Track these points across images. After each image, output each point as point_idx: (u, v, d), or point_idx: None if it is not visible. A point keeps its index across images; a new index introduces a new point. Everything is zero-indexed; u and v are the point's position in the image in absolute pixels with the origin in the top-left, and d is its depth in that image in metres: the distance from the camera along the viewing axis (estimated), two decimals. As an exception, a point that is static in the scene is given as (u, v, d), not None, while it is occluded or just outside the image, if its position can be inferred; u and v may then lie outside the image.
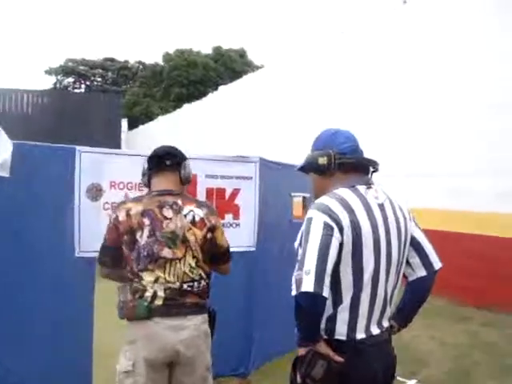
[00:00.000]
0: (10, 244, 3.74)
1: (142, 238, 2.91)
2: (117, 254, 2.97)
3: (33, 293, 3.79)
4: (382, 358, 2.41)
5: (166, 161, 3.09)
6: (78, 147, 3.96)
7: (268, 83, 16.38)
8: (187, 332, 2.91)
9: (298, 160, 2.70)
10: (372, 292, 2.35)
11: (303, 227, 2.32)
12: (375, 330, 2.39)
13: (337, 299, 2.32)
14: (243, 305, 4.93)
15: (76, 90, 44.75)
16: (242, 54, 41.37)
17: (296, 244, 2.37)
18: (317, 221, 2.27)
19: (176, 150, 3.22)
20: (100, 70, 46.36)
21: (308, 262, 2.19)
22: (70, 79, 46.62)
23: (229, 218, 4.55)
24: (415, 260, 2.53)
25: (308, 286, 2.15)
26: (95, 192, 3.98)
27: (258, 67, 31.78)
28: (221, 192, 4.54)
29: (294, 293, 2.21)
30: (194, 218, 3.00)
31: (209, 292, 3.07)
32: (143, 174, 3.17)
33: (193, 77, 37.27)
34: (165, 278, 2.90)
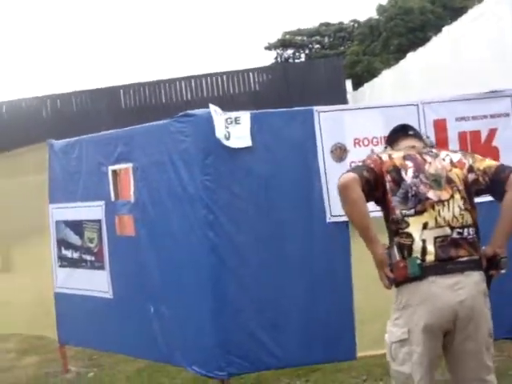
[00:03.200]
0: (259, 217, 3.69)
1: (408, 176, 2.69)
2: (375, 177, 2.69)
3: (288, 264, 3.71)
4: None
5: (409, 131, 3.00)
6: (315, 107, 3.76)
7: (497, 14, 14.92)
8: (466, 291, 2.57)
9: None
10: None
11: None
12: None
13: None
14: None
15: (297, 61, 45.55)
16: (460, -11, 38.67)
17: None
18: None
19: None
20: (317, 37, 46.62)
21: None
22: (290, 51, 47.59)
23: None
24: None
25: None
26: (340, 152, 3.75)
27: (480, 0, 29.38)
28: (475, 135, 4.02)
29: None
30: (451, 160, 2.77)
31: (479, 246, 2.69)
32: (385, 148, 3.07)
33: (411, 24, 35.67)
34: (435, 222, 2.62)
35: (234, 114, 3.63)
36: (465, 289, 2.57)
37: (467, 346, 2.64)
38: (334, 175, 3.70)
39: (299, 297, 3.73)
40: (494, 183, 2.70)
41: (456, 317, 2.58)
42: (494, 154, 4.08)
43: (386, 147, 3.04)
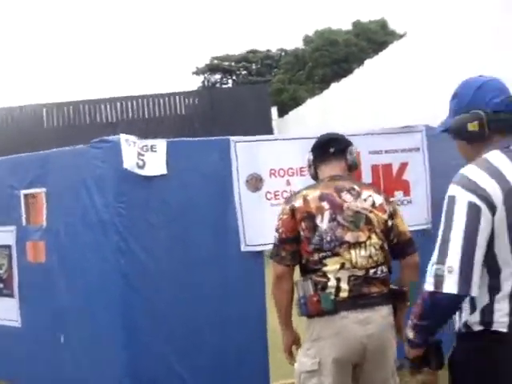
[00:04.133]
0: (172, 245, 3.67)
1: (323, 222, 2.71)
2: (295, 247, 2.75)
3: (201, 292, 3.68)
4: None
5: (330, 148, 2.91)
6: (231, 137, 3.79)
7: (416, 49, 15.53)
8: (375, 325, 2.65)
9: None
10: None
11: (444, 207, 1.91)
12: None
13: (494, 286, 1.89)
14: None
15: (223, 86, 45.88)
16: (382, 24, 40.07)
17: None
18: (460, 201, 1.86)
19: (338, 135, 3.05)
20: (244, 63, 47.12)
21: (451, 255, 1.83)
22: (217, 76, 47.90)
23: (399, 195, 4.16)
24: None
25: (451, 287, 1.81)
26: (255, 182, 3.78)
27: (400, 35, 30.52)
28: (387, 168, 4.16)
29: (429, 288, 1.87)
30: (373, 202, 2.78)
31: (389, 282, 2.80)
32: (309, 166, 3.01)
33: (335, 56, 36.64)
34: (351, 263, 2.67)
35: (150, 142, 3.61)
36: (373, 323, 2.65)
37: (376, 375, 2.73)
38: (249, 205, 3.74)
39: (213, 327, 3.71)
40: (397, 249, 2.82)
41: (365, 349, 2.65)
42: (405, 186, 4.23)
43: (309, 166, 3.00)
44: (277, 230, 2.81)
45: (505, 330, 1.88)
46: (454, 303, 1.88)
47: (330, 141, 2.97)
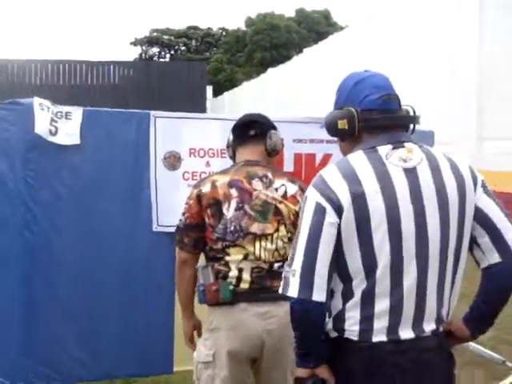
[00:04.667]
0: (81, 219, 3.45)
1: (229, 210, 2.59)
2: (199, 233, 2.65)
3: (107, 271, 3.49)
4: (414, 371, 1.81)
5: (250, 130, 2.79)
6: (152, 112, 3.61)
7: (354, 43, 15.68)
8: (276, 320, 2.55)
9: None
10: (394, 284, 1.78)
11: (301, 206, 1.88)
12: (406, 334, 1.82)
13: (347, 292, 1.83)
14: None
15: (161, 60, 45.12)
16: (326, 15, 40.33)
17: None
18: (309, 201, 1.82)
19: (262, 117, 2.91)
20: (184, 39, 46.51)
21: (296, 258, 1.78)
22: (155, 49, 47.13)
23: (319, 186, 4.11)
24: (484, 240, 1.87)
25: (293, 290, 1.77)
26: (173, 160, 3.62)
27: (342, 28, 30.73)
28: (310, 158, 4.09)
29: (280, 290, 1.84)
30: (285, 192, 2.68)
31: None
32: (227, 147, 2.90)
33: (276, 40, 36.66)
34: (254, 255, 2.57)
35: (65, 109, 3.39)
36: (274, 318, 2.56)
37: (273, 374, 2.63)
38: (164, 183, 3.58)
39: (116, 307, 3.54)
40: None
41: (263, 345, 2.56)
42: (327, 178, 4.17)
43: (228, 147, 2.91)
44: (182, 215, 2.71)
45: (355, 338, 1.82)
46: (301, 307, 1.80)
47: (251, 122, 2.85)
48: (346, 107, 1.95)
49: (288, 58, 26.23)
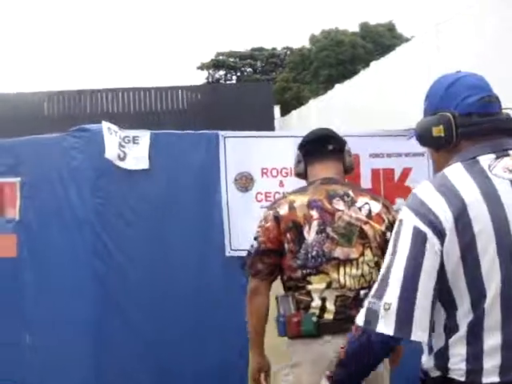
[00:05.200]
0: (151, 246, 3.34)
1: (310, 234, 2.37)
2: (276, 260, 2.43)
3: (180, 301, 3.36)
4: None
5: (328, 145, 2.54)
6: (221, 132, 3.48)
7: (422, 53, 15.29)
8: None
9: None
10: (506, 315, 1.52)
11: (394, 230, 1.60)
12: None
13: (450, 325, 1.56)
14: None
15: (227, 82, 45.61)
16: (390, 27, 39.79)
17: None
18: (406, 226, 1.54)
19: (335, 133, 2.65)
20: (249, 61, 46.85)
21: (390, 289, 1.51)
22: (221, 72, 47.65)
23: (400, 202, 3.86)
24: None
25: (386, 327, 1.50)
26: (245, 181, 3.46)
27: (407, 39, 30.25)
28: (389, 173, 3.85)
29: (360, 323, 1.57)
30: (370, 211, 2.43)
31: None
32: (298, 162, 2.63)
33: (341, 56, 36.38)
34: (338, 282, 2.35)
35: (132, 133, 3.33)
36: None
37: None
38: (236, 206, 3.44)
39: (192, 340, 3.38)
40: None
41: None
42: (407, 193, 3.91)
43: (299, 161, 2.63)
44: (255, 239, 2.48)
45: (462, 378, 1.55)
46: (388, 346, 1.58)
47: (327, 137, 2.61)
48: (439, 112, 1.68)
49: (355, 73, 25.95)
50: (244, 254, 3.34)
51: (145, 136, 3.34)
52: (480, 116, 1.63)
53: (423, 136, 1.72)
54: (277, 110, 29.21)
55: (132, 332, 3.32)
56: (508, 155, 1.60)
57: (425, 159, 3.97)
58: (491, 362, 1.53)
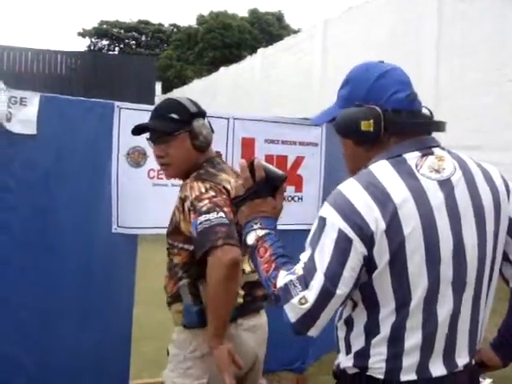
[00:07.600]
0: (34, 217, 3.08)
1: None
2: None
3: (62, 276, 3.13)
4: None
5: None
6: (116, 102, 3.30)
7: (310, 46, 15.65)
8: (263, 332, 2.40)
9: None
10: (428, 316, 1.53)
11: (314, 225, 1.53)
12: (438, 371, 1.56)
13: (371, 326, 1.55)
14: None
15: (110, 53, 44.17)
16: (279, 17, 40.31)
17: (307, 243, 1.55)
18: (330, 227, 1.48)
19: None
20: (134, 33, 45.63)
21: (311, 288, 1.46)
22: (104, 42, 46.06)
23: (291, 190, 3.88)
24: None
25: (291, 313, 1.48)
26: (137, 156, 3.31)
27: (295, 31, 30.74)
28: (282, 160, 3.86)
29: (276, 291, 1.51)
30: None
31: None
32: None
33: (227, 40, 36.35)
34: (251, 268, 2.29)
35: (19, 94, 3.04)
36: (261, 329, 2.39)
37: (258, 378, 2.49)
38: (127, 181, 3.29)
39: (71, 319, 3.20)
40: None
41: (256, 358, 2.38)
42: (298, 181, 3.97)
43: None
44: (221, 208, 2.13)
45: (381, 376, 1.56)
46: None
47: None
48: (367, 105, 1.61)
49: (240, 57, 26.02)
50: (132, 231, 3.22)
51: (34, 98, 3.08)
52: (408, 113, 1.61)
53: (349, 128, 1.63)
54: (158, 86, 28.70)
55: (5, 313, 3.04)
56: (432, 153, 1.60)
57: (317, 149, 4.02)
58: (410, 361, 1.55)
